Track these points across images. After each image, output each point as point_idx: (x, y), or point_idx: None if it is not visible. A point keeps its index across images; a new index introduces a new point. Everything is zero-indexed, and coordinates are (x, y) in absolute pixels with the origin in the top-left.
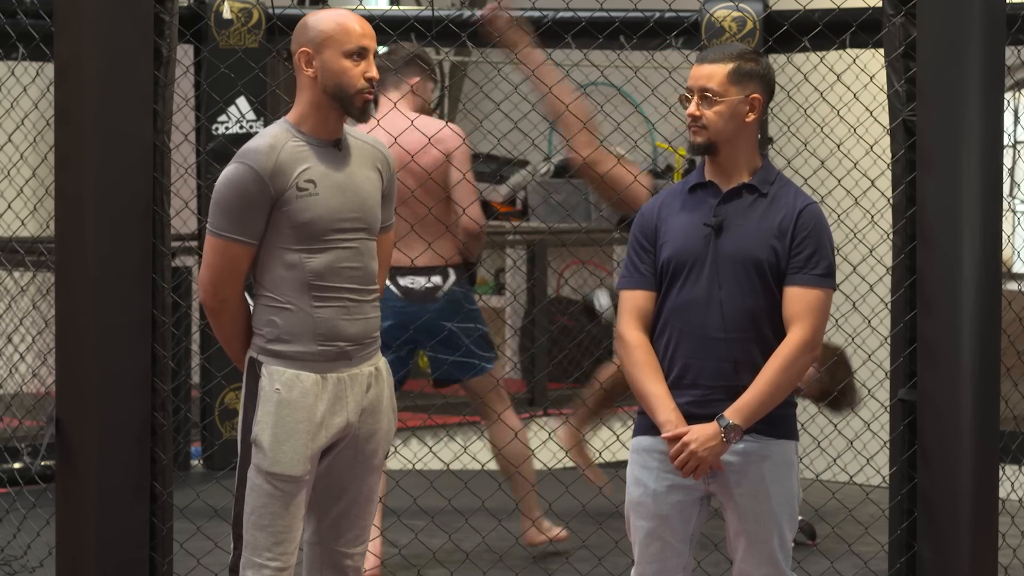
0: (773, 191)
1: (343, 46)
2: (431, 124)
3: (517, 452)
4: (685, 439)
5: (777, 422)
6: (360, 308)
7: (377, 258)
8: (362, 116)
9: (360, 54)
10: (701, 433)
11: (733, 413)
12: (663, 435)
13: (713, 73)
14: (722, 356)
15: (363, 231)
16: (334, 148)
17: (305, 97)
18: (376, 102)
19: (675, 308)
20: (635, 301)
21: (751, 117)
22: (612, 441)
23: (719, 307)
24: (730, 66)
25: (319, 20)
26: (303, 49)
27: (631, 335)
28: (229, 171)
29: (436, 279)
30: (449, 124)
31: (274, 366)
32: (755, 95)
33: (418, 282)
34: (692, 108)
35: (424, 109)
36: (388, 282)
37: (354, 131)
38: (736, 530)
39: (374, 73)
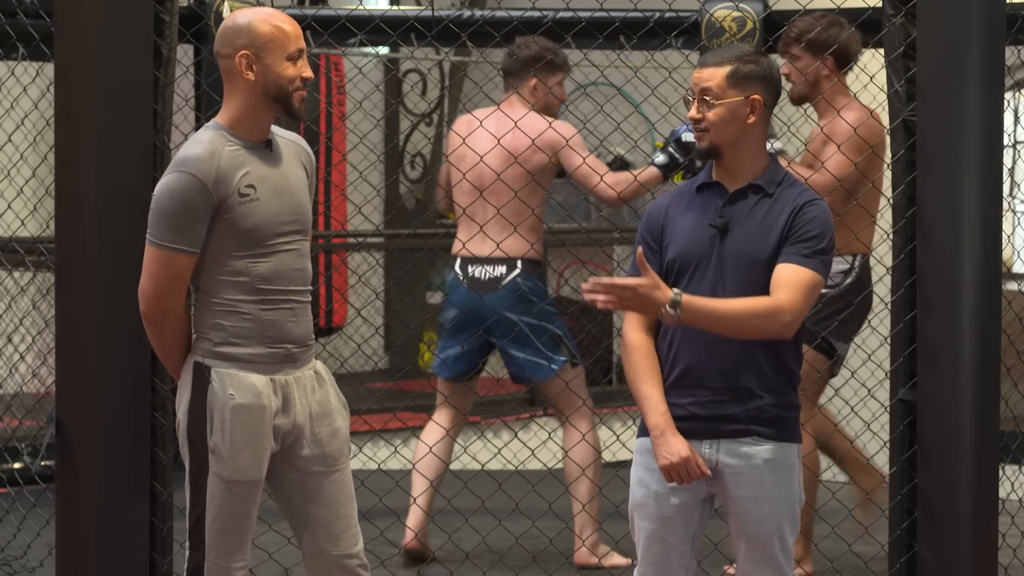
0: (779, 192)
1: (285, 50)
2: (536, 123)
3: (581, 458)
4: (635, 283)
5: (779, 424)
6: (303, 309)
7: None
8: (300, 115)
9: (299, 55)
10: (671, 447)
11: (689, 299)
12: (650, 436)
13: (712, 76)
14: (725, 357)
15: (300, 232)
16: (266, 149)
17: (239, 100)
18: None
19: None
20: None
21: (753, 119)
22: (612, 441)
23: None
24: (728, 68)
25: (256, 23)
26: (244, 52)
27: (633, 336)
28: (170, 180)
29: (501, 269)
30: (553, 124)
31: (224, 369)
32: (755, 96)
33: (486, 272)
34: (693, 111)
35: (547, 110)
36: (457, 269)
37: (277, 129)
38: (737, 532)
39: (309, 73)
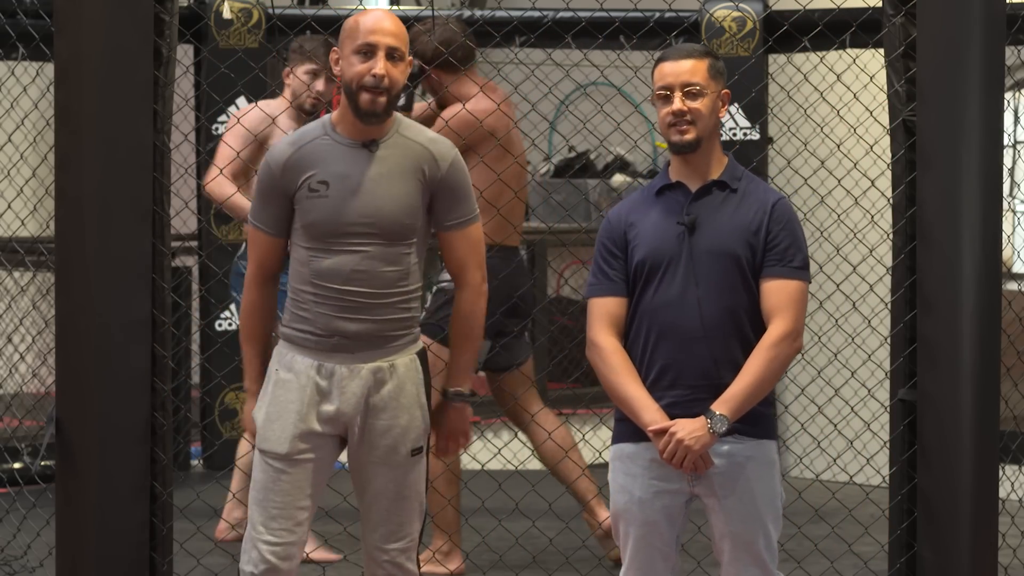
0: (742, 187)
1: (354, 43)
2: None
3: None
4: (672, 430)
5: (757, 422)
6: (369, 309)
7: (449, 257)
8: (365, 117)
9: (367, 51)
10: (687, 424)
11: (720, 404)
12: (649, 428)
13: (696, 68)
14: (702, 355)
15: (376, 236)
16: (364, 149)
17: (341, 97)
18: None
19: (651, 309)
20: (606, 307)
21: (723, 112)
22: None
23: (696, 306)
24: (708, 61)
25: (350, 19)
26: (334, 49)
27: (605, 341)
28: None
29: None
30: (258, 107)
31: (280, 347)
32: (726, 91)
33: None
34: (678, 104)
35: (300, 103)
36: None
37: (411, 130)
38: (722, 532)
39: (379, 70)
